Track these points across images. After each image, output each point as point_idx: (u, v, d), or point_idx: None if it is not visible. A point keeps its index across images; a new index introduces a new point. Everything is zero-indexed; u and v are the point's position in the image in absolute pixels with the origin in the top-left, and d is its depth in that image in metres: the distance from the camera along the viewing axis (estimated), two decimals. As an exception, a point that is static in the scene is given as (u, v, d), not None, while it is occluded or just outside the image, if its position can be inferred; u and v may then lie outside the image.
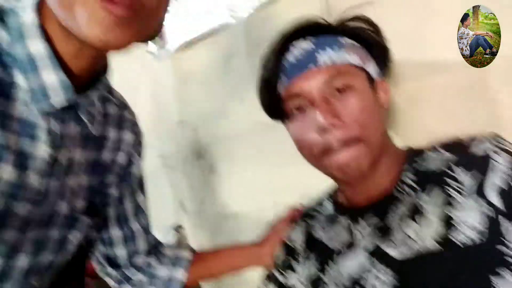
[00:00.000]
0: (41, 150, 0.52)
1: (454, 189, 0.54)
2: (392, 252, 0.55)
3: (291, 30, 0.64)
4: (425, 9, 0.76)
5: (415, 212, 0.55)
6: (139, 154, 0.74)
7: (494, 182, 0.52)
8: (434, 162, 0.59)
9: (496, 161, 0.53)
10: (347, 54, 0.60)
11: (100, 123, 0.63)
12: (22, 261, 0.56)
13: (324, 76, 0.59)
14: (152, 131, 1.36)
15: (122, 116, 0.68)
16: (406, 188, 0.59)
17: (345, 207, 0.67)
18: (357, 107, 0.58)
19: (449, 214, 0.52)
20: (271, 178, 1.04)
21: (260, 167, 1.05)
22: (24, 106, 0.50)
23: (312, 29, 0.63)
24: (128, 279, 0.78)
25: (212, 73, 1.15)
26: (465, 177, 0.54)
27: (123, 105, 0.69)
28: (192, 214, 1.26)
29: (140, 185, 0.77)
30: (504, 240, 0.48)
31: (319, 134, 0.58)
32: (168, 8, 0.53)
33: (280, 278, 0.70)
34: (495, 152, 0.54)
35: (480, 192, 0.52)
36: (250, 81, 1.06)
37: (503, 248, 0.48)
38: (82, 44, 0.48)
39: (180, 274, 0.77)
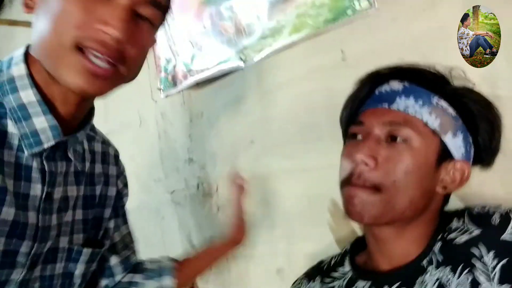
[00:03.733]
0: (37, 189, 0.56)
1: (482, 275, 0.53)
2: None
3: (399, 67, 0.63)
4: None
5: None
6: (125, 185, 0.79)
7: None
8: (462, 236, 0.58)
9: None
10: (427, 113, 0.58)
11: (88, 160, 0.67)
12: None
13: (388, 118, 0.59)
14: (161, 166, 1.37)
15: (106, 152, 0.73)
16: (434, 260, 0.59)
17: (367, 270, 0.66)
18: (399, 164, 0.57)
19: None
20: (284, 224, 1.03)
21: (272, 211, 1.05)
22: (17, 152, 0.55)
23: (417, 77, 0.61)
24: None
25: (222, 114, 1.16)
26: (493, 263, 0.53)
27: (106, 142, 0.74)
28: (200, 252, 1.26)
29: (125, 216, 0.82)
30: None
31: (352, 162, 0.59)
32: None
33: None
34: None
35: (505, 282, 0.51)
36: (260, 124, 1.07)
37: None
38: (67, 90, 0.53)
39: (169, 281, 0.80)
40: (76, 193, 0.64)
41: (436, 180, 0.60)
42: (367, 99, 0.65)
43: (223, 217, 1.18)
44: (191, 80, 1.20)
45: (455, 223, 0.61)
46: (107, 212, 0.72)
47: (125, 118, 1.49)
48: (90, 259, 0.67)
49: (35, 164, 0.56)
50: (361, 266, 0.68)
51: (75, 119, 0.59)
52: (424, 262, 0.59)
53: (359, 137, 0.63)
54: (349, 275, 0.69)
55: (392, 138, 0.59)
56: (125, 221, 0.81)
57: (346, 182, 0.61)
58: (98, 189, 0.69)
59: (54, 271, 0.62)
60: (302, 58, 0.96)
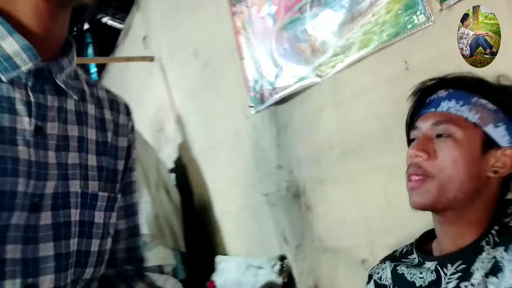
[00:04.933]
0: (24, 122, 0.52)
1: None
2: None
3: (447, 78, 0.75)
4: None
5: (497, 268, 0.64)
6: (133, 143, 0.71)
7: None
8: None
9: None
10: (467, 110, 0.69)
11: (93, 104, 0.62)
12: (45, 249, 0.53)
13: (434, 118, 0.72)
14: (255, 173, 1.58)
15: (114, 100, 0.67)
16: (491, 241, 0.67)
17: (432, 255, 0.76)
18: (447, 154, 0.69)
19: None
20: (366, 218, 1.15)
21: (355, 208, 1.18)
22: None
23: (459, 83, 0.72)
24: None
25: (304, 124, 1.32)
26: None
27: (111, 91, 0.69)
28: (293, 247, 1.43)
29: (134, 184, 0.72)
30: None
31: (409, 158, 0.72)
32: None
33: None
34: None
35: None
36: (338, 131, 1.20)
37: None
38: (36, 1, 0.51)
39: None
40: (81, 134, 0.59)
41: (485, 166, 0.69)
42: (420, 108, 0.76)
43: (311, 215, 1.33)
44: (276, 96, 1.38)
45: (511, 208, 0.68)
46: (120, 164, 0.65)
47: (222, 133, 1.73)
48: (109, 207, 0.61)
49: (18, 95, 0.52)
50: (430, 252, 0.78)
51: (53, 41, 0.55)
52: (483, 243, 0.68)
53: (416, 139, 0.75)
54: (416, 260, 0.79)
55: (439, 135, 0.71)
56: (129, 190, 0.70)
57: (407, 176, 0.73)
58: (109, 136, 0.63)
59: (70, 217, 0.55)
60: (370, 70, 1.07)
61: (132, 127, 0.69)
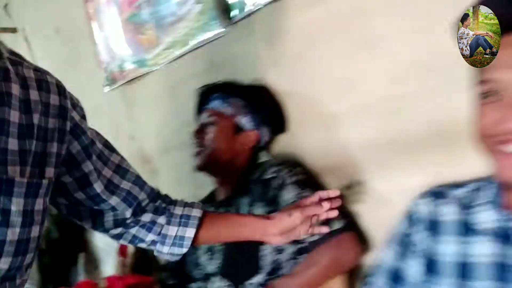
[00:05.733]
0: None
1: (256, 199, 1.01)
2: None
3: (216, 84, 1.13)
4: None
5: (238, 210, 1.03)
6: (83, 118, 0.72)
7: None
8: (254, 176, 1.05)
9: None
10: (225, 106, 1.08)
11: (17, 83, 0.59)
12: None
13: (207, 113, 1.10)
14: (113, 142, 1.81)
15: (42, 79, 0.63)
16: (240, 193, 1.05)
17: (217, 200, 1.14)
18: (211, 134, 1.08)
19: (252, 211, 1.00)
20: (193, 176, 1.49)
21: (185, 170, 1.50)
22: None
23: (225, 88, 1.11)
24: (140, 239, 0.78)
25: (148, 102, 1.59)
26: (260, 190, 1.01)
27: (41, 70, 0.65)
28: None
29: (108, 147, 0.79)
30: None
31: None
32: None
33: None
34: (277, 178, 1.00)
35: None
36: (172, 110, 1.49)
37: None
38: None
39: (191, 233, 0.77)
40: (2, 116, 0.56)
41: (236, 143, 1.08)
42: (202, 105, 1.13)
43: (156, 177, 1.64)
44: (124, 78, 1.61)
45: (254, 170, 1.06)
46: (52, 146, 0.62)
47: (85, 106, 1.90)
48: (31, 193, 0.58)
49: None
50: (217, 198, 1.14)
51: None
52: (235, 194, 1.05)
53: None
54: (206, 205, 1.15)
55: (209, 123, 1.08)
56: (106, 157, 0.77)
57: None
58: (36, 118, 0.60)
59: None
60: (190, 64, 1.37)
61: (74, 104, 0.68)
